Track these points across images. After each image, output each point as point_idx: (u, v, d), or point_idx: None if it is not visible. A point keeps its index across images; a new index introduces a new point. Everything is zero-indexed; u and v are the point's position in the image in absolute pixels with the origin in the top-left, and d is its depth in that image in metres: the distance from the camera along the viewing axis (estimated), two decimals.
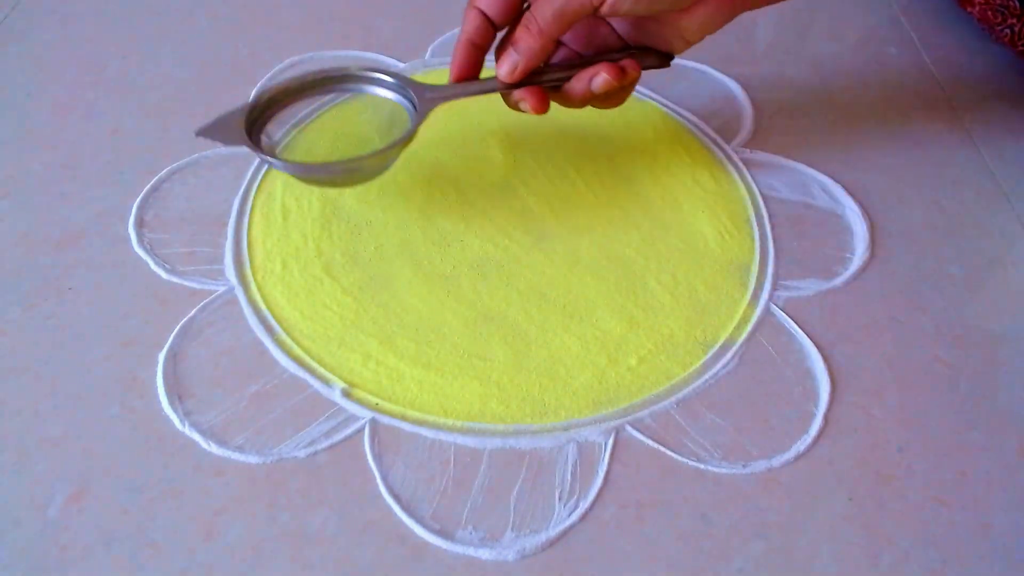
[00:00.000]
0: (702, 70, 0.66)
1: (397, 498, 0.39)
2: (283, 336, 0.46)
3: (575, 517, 0.39)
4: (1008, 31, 0.64)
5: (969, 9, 0.68)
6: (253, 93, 0.61)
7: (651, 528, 0.39)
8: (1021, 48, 0.64)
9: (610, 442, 0.42)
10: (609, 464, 0.41)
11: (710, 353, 0.46)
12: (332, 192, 0.54)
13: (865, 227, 0.53)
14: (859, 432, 0.43)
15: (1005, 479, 0.41)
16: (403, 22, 0.69)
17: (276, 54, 0.65)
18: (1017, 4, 0.62)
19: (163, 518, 0.38)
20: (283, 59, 0.65)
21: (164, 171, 0.55)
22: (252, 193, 0.54)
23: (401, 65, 0.65)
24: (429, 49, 0.67)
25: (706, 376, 0.45)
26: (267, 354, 0.45)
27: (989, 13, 0.65)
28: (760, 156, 0.59)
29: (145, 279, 0.49)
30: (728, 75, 0.65)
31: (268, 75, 0.63)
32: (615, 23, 0.49)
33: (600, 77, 0.46)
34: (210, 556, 0.37)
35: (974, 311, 0.49)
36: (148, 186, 0.54)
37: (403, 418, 0.43)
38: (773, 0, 0.47)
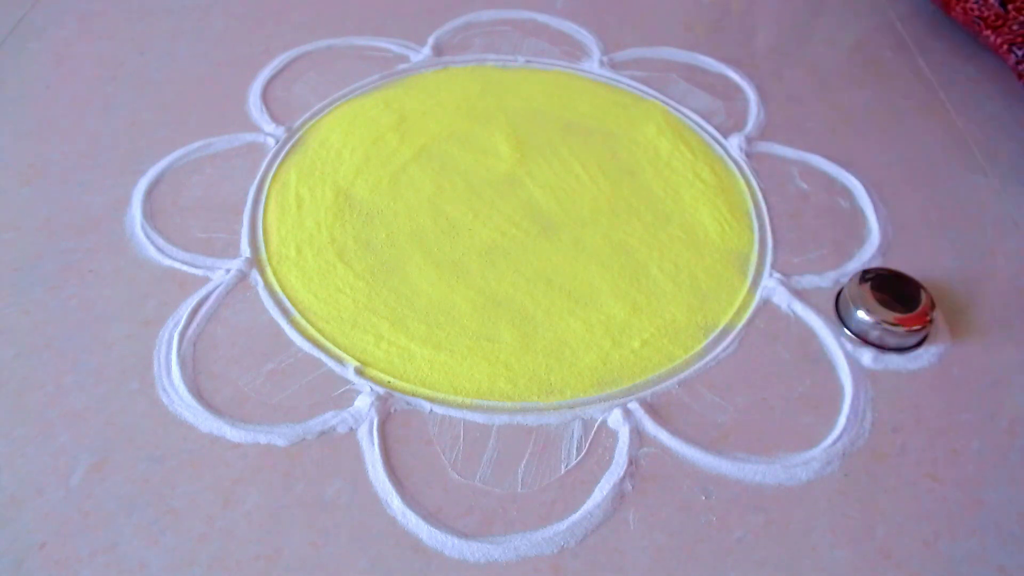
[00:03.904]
0: (704, 70, 0.68)
1: (408, 472, 0.41)
2: (298, 318, 0.48)
3: (579, 491, 0.40)
4: (985, 41, 0.67)
5: (953, 16, 0.70)
6: (260, 83, 0.63)
7: (653, 500, 0.40)
8: (1003, 53, 0.65)
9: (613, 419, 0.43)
10: (611, 441, 0.42)
11: (711, 337, 0.48)
12: (344, 183, 0.56)
13: (862, 222, 0.55)
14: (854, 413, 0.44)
15: (996, 457, 0.43)
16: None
17: (285, 48, 0.67)
18: (993, 15, 0.64)
19: (183, 486, 0.40)
20: (291, 52, 0.67)
21: (182, 162, 0.57)
22: (267, 183, 0.56)
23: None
24: (430, 40, 0.68)
25: (707, 359, 0.46)
26: (282, 334, 0.47)
27: (970, 21, 0.68)
28: (759, 152, 0.60)
29: (163, 262, 0.50)
30: (729, 76, 0.67)
31: (272, 63, 0.65)
32: None
33: None
34: (228, 522, 0.38)
35: (966, 301, 0.50)
36: (166, 175, 0.56)
37: (414, 395, 0.44)
38: None
